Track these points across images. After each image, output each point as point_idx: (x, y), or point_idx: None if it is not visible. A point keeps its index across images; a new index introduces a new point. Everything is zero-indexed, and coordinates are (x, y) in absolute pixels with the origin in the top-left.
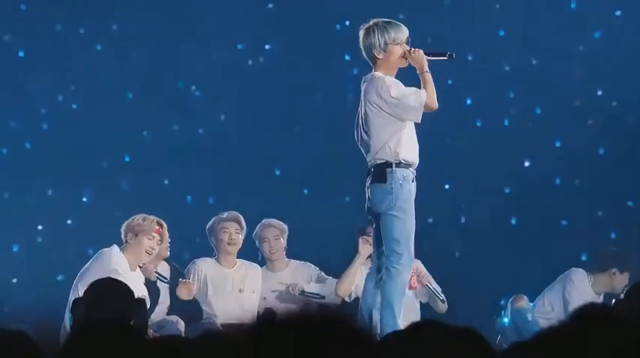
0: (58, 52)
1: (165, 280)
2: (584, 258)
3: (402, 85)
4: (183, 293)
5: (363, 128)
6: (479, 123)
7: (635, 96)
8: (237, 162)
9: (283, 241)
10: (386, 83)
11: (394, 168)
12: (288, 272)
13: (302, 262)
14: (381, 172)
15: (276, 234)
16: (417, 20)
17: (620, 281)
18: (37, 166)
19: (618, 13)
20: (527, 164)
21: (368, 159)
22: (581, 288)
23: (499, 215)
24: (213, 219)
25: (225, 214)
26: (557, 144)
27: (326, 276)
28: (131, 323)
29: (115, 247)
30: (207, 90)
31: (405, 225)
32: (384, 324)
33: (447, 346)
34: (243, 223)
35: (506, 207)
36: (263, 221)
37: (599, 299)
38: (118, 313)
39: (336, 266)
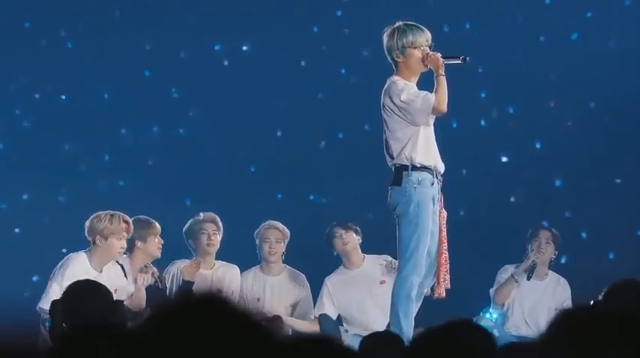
0: (31, 51)
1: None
2: (562, 260)
3: (414, 89)
4: (191, 272)
5: (384, 132)
6: (454, 124)
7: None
8: (214, 163)
9: (283, 246)
10: (397, 87)
11: (410, 171)
12: (280, 280)
13: (297, 273)
14: (399, 175)
15: (278, 236)
16: (393, 19)
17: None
18: (11, 167)
19: (589, 14)
20: (505, 163)
21: (389, 163)
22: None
23: (478, 216)
24: (190, 221)
25: (202, 215)
26: (537, 146)
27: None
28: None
29: (81, 255)
30: (184, 92)
31: (415, 229)
32: (392, 328)
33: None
34: (220, 223)
35: (485, 206)
36: (268, 222)
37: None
38: (96, 315)
39: (309, 266)
